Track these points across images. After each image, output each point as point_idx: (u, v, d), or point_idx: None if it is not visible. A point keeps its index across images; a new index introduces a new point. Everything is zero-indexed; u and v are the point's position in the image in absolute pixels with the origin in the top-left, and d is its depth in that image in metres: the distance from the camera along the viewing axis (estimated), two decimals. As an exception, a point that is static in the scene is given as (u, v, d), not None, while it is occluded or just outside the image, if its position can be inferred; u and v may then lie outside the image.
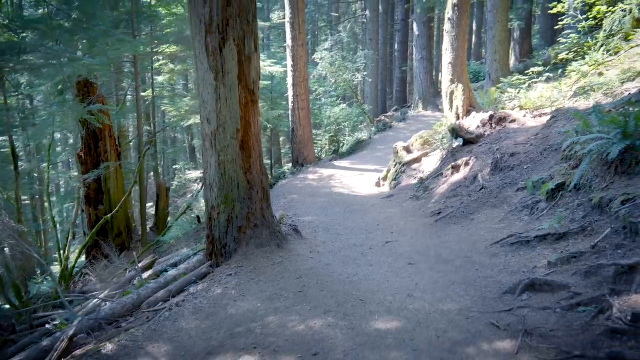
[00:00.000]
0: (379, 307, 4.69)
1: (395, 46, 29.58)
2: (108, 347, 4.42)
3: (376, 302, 4.82)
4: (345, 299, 4.95)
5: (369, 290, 5.18)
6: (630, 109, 5.54)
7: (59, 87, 12.68)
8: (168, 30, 14.36)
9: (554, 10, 12.43)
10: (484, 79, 16.43)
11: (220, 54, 5.86)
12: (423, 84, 21.92)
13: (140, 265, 9.55)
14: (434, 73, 26.63)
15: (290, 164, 16.63)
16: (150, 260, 9.89)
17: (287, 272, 5.81)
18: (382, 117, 22.31)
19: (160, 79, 19.98)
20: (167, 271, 7.79)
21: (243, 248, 6.39)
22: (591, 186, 5.37)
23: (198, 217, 15.32)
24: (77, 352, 4.82)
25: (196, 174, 23.37)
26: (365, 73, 22.77)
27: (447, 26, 11.24)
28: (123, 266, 10.11)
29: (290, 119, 14.53)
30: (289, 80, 13.93)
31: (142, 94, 18.18)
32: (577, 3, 11.59)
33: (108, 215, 11.45)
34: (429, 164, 10.63)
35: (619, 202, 4.62)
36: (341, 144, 18.94)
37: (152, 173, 19.75)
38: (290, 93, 14.17)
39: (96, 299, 7.28)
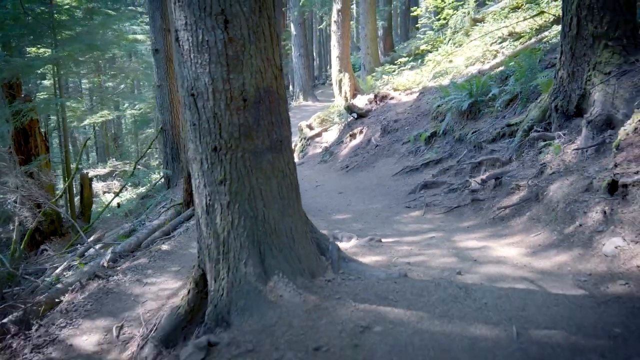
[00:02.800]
0: (332, 211, 7.30)
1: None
2: (163, 246, 6.60)
3: (329, 210, 7.42)
4: (308, 210, 7.47)
5: (320, 206, 7.76)
6: (471, 80, 8.63)
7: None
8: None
9: (415, 14, 15.84)
10: (359, 70, 19.56)
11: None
12: (303, 78, 24.79)
13: (91, 239, 11.41)
14: (311, 68, 29.65)
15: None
16: (99, 234, 11.70)
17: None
18: (270, 109, 24.84)
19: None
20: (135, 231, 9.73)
21: (217, 195, 8.67)
22: (453, 130, 8.38)
23: (118, 204, 17.01)
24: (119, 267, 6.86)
25: (101, 171, 24.37)
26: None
27: (333, 27, 14.10)
28: (63, 246, 11.79)
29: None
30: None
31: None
32: (431, 7, 15.01)
33: (54, 199, 12.90)
34: (330, 136, 13.41)
35: (470, 134, 7.63)
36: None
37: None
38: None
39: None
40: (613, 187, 4.04)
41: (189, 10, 3.11)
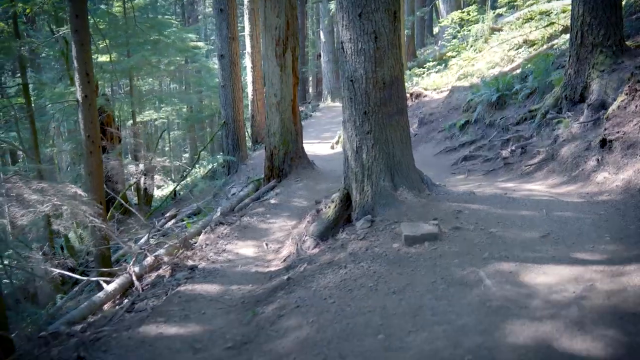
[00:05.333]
0: (393, 178, 9.52)
1: (296, 51, 34.76)
2: (271, 200, 8.85)
3: (390, 177, 9.64)
4: (373, 178, 9.71)
5: (382, 176, 9.98)
6: (498, 78, 10.87)
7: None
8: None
9: (442, 24, 18.11)
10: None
11: (284, 57, 10.35)
12: (330, 81, 27.11)
13: (167, 214, 13.76)
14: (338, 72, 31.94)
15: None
16: (174, 212, 14.00)
17: (326, 175, 10.43)
18: (301, 109, 27.16)
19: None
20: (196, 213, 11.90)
21: (294, 170, 10.88)
22: (484, 118, 10.61)
23: (175, 191, 19.35)
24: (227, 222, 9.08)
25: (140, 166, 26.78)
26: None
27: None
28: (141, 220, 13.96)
29: (250, 108, 18.88)
30: (249, 78, 18.27)
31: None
32: (457, 19, 17.30)
33: (132, 183, 15.20)
34: (371, 129, 15.64)
35: (499, 120, 9.86)
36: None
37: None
38: (250, 88, 18.51)
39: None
40: (603, 143, 6.27)
41: (353, 30, 5.37)
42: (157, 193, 20.58)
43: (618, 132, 6.11)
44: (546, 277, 3.68)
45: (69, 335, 5.22)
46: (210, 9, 42.59)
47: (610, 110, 6.62)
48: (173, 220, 12.82)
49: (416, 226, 4.69)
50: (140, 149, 19.52)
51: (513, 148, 8.33)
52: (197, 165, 22.30)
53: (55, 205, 6.77)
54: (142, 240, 11.70)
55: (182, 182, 21.97)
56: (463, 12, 16.95)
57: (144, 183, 19.29)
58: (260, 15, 10.65)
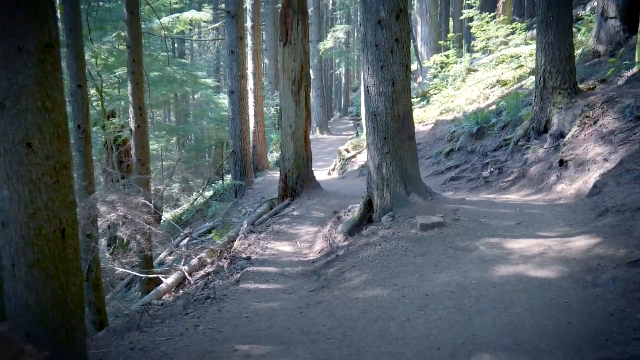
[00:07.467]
0: (393, 196, 11.42)
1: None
2: (294, 213, 10.65)
3: (390, 195, 11.54)
4: (376, 196, 11.59)
5: (382, 195, 11.86)
6: (477, 113, 12.95)
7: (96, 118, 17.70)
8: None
9: (424, 65, 20.40)
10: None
11: (298, 94, 12.28)
12: (319, 115, 29.16)
13: (184, 232, 15.42)
14: (326, 107, 34.13)
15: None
16: (189, 231, 15.65)
17: (334, 194, 12.29)
18: (292, 141, 29.09)
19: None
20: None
21: (305, 191, 12.71)
22: (466, 146, 12.63)
23: (182, 215, 20.95)
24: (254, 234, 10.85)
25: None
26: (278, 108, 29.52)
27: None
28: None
29: (252, 139, 20.75)
30: (251, 112, 20.20)
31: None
32: (439, 61, 19.59)
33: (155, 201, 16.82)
34: (363, 157, 17.58)
35: (479, 148, 11.88)
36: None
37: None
38: (252, 121, 20.42)
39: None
40: (561, 163, 8.27)
41: (376, 78, 7.32)
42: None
43: (572, 155, 8.12)
44: (520, 245, 5.57)
45: (161, 305, 6.93)
46: (196, 46, 45.01)
47: (566, 138, 8.65)
48: (187, 239, 14.45)
49: (428, 218, 6.56)
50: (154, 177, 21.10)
51: (492, 170, 10.31)
52: (194, 194, 23.94)
53: (120, 216, 8.48)
54: (163, 255, 13.25)
55: (184, 207, 23.45)
56: (443, 56, 19.27)
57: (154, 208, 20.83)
58: (280, 58, 12.61)
